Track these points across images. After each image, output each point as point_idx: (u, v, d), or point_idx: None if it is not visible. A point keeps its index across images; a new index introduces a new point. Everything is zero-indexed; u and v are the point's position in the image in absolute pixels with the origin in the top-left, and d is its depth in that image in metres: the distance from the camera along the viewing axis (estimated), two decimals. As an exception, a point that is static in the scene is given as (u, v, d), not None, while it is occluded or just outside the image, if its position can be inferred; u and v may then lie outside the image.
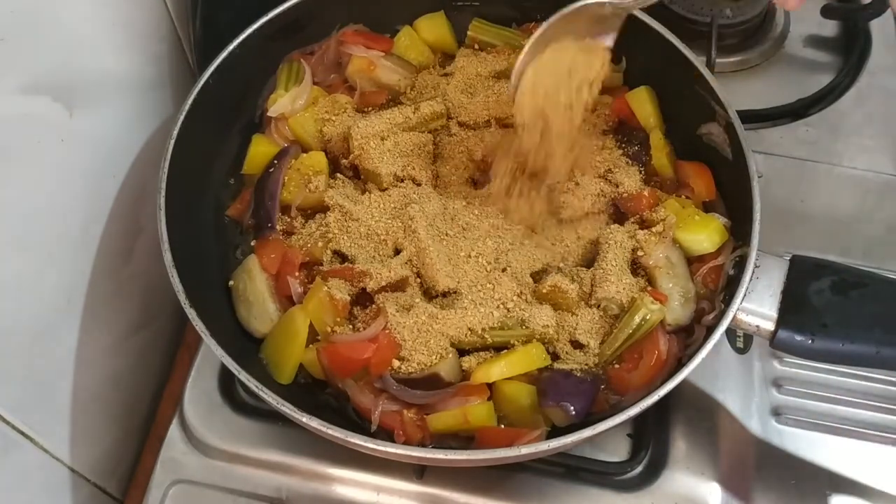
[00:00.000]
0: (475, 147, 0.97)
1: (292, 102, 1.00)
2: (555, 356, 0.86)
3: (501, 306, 0.85)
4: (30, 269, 0.81)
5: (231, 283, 0.92)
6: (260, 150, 0.99)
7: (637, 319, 0.83)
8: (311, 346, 0.85)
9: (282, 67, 1.04)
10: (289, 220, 0.95)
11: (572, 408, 0.79)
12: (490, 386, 0.82)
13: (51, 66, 0.81)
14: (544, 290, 0.87)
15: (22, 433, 0.83)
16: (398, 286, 0.88)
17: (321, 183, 0.95)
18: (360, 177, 0.98)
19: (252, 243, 0.94)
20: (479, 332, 0.84)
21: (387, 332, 0.83)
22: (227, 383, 0.96)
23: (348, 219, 0.91)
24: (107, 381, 1.00)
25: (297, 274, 0.90)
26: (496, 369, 0.82)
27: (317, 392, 0.87)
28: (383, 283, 0.87)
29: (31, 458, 0.86)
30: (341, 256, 0.92)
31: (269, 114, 1.00)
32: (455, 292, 0.87)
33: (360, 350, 0.82)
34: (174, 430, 0.94)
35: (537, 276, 0.90)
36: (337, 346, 0.84)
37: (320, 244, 0.91)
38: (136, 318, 1.05)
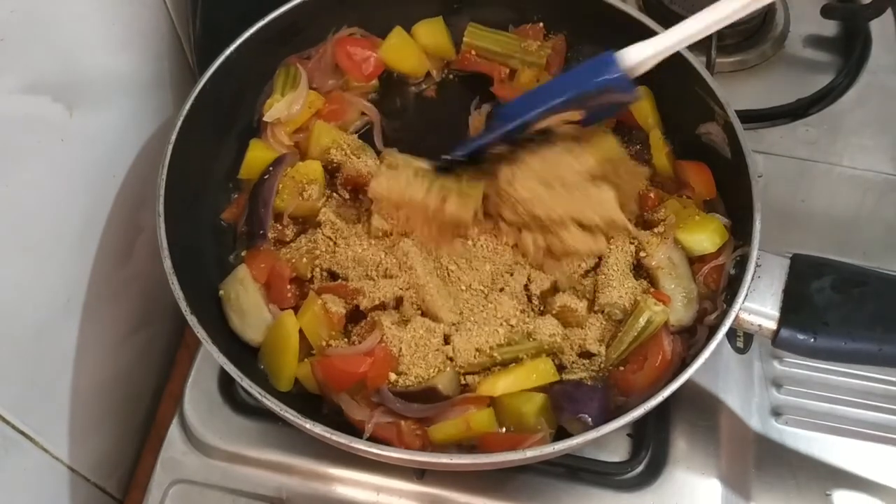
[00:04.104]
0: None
1: (288, 108, 1.00)
2: (560, 367, 0.85)
3: (505, 323, 0.85)
4: (30, 269, 0.81)
5: (221, 292, 0.90)
6: (256, 156, 0.99)
7: (642, 322, 0.84)
8: (305, 360, 0.85)
9: (278, 72, 1.03)
10: (280, 227, 0.94)
11: (590, 418, 0.79)
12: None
13: (51, 66, 0.80)
14: (554, 312, 0.87)
15: (22, 433, 0.82)
16: (394, 304, 0.87)
17: (315, 192, 0.94)
18: (359, 196, 0.96)
19: (242, 253, 0.93)
20: (488, 350, 0.83)
21: (383, 345, 0.82)
22: (227, 383, 0.96)
23: (339, 237, 0.91)
24: (106, 381, 0.99)
25: (288, 288, 0.89)
26: (502, 384, 0.81)
27: (319, 396, 0.87)
28: (377, 302, 0.86)
29: (31, 457, 0.86)
30: (332, 276, 0.91)
31: (265, 119, 1.00)
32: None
33: (355, 364, 0.81)
34: (174, 430, 0.94)
35: (544, 295, 0.89)
36: (332, 360, 0.83)
37: (304, 260, 0.90)
38: (136, 317, 1.05)
